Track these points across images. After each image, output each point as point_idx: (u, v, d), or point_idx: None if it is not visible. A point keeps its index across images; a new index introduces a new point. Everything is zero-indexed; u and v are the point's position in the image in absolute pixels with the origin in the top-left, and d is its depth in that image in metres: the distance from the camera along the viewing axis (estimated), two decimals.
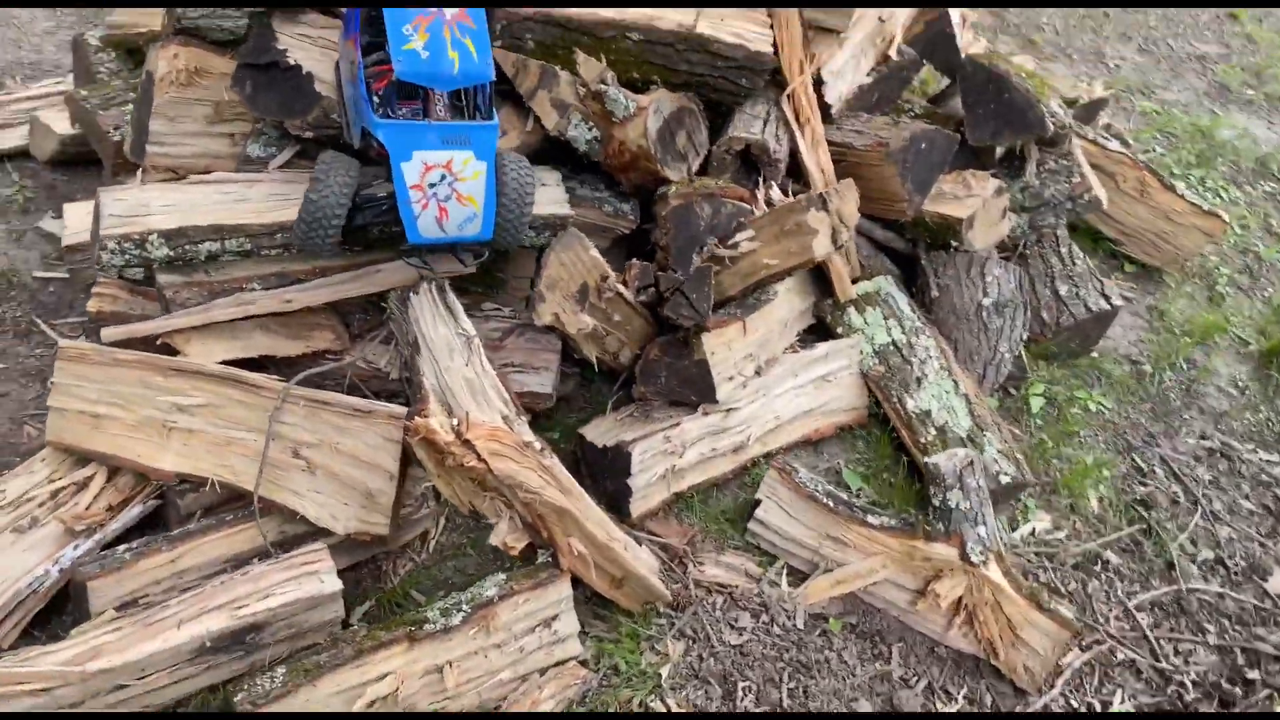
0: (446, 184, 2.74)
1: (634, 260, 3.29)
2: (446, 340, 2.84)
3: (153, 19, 3.49)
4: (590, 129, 3.21)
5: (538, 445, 2.88)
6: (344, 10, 2.88)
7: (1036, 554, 3.57)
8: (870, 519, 3.24)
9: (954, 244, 3.97)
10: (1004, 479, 3.52)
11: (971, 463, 3.26)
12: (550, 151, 3.46)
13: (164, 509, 2.94)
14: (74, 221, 3.28)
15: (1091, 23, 6.96)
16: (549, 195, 3.26)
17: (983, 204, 3.92)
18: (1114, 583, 3.55)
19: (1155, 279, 4.88)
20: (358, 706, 2.60)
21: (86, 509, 2.78)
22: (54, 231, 3.68)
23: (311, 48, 2.95)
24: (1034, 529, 3.66)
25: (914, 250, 4.14)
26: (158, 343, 2.88)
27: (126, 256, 2.81)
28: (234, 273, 2.98)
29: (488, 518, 2.90)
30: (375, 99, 2.73)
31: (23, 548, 2.69)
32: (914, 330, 3.84)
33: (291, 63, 2.86)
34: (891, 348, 3.81)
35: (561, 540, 2.91)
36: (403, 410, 2.77)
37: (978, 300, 3.93)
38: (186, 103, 3.04)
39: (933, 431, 3.63)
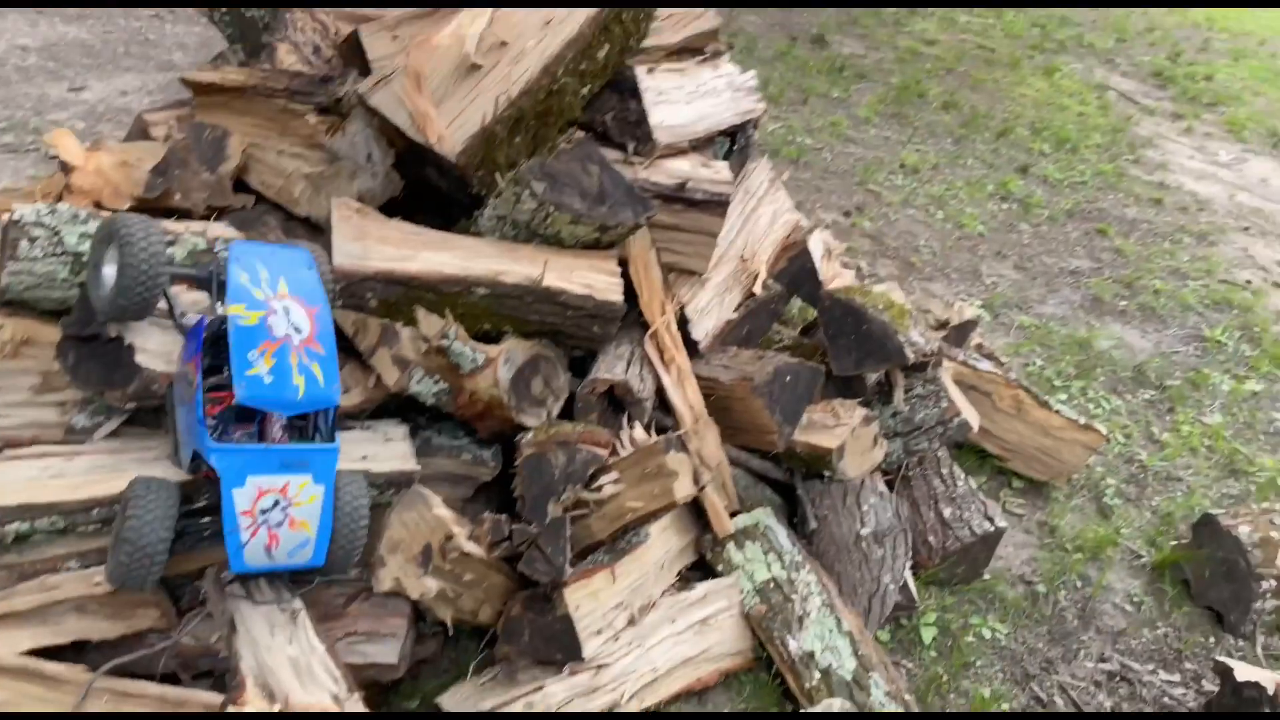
0: (280, 509, 2.63)
1: (485, 515, 3.18)
2: (267, 616, 2.66)
3: None
4: (436, 382, 3.17)
5: None
6: (187, 331, 2.82)
7: None
8: None
9: (828, 473, 3.94)
10: None
11: (844, 716, 3.08)
12: (407, 401, 3.40)
13: None
14: None
15: (968, 244, 7.30)
16: (394, 450, 3.17)
17: (851, 432, 3.92)
18: None
19: (1043, 493, 4.88)
20: None
21: None
22: None
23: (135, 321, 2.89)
24: None
25: (792, 479, 4.10)
26: None
27: None
28: (49, 551, 2.79)
29: None
30: (211, 422, 2.66)
31: None
32: (794, 565, 3.73)
33: (113, 334, 2.79)
34: (772, 585, 3.68)
35: None
36: (218, 698, 2.55)
37: (856, 530, 3.86)
38: (12, 374, 2.94)
39: (817, 675, 3.47)
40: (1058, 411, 4.77)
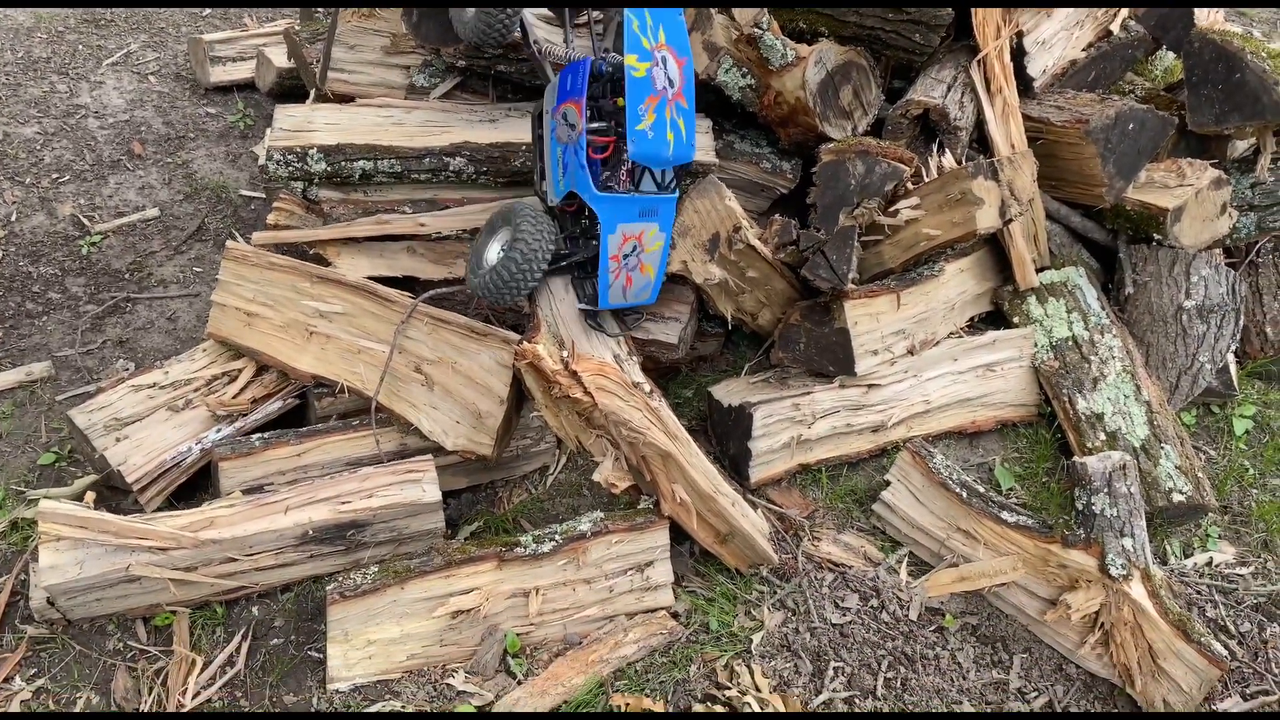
0: (635, 255, 2.76)
1: (776, 215, 3.18)
2: (564, 278, 2.87)
3: None
4: (744, 75, 3.13)
5: (646, 387, 2.85)
6: (562, 73, 2.76)
7: (1209, 586, 3.16)
8: (1004, 515, 2.98)
9: (1159, 238, 3.58)
10: (1177, 497, 3.15)
11: (1124, 467, 2.92)
12: (716, 103, 3.40)
13: (304, 409, 3.14)
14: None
15: None
16: (696, 142, 3.21)
17: (1195, 195, 3.51)
18: None
19: None
20: (440, 614, 2.68)
21: (233, 398, 3.02)
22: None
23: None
24: (1211, 559, 3.24)
25: (1114, 242, 3.77)
26: (311, 253, 3.07)
27: (290, 168, 3.02)
28: (390, 194, 3.14)
29: (593, 455, 2.90)
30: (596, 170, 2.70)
31: (173, 425, 2.95)
32: (1099, 327, 3.49)
33: None
34: (1070, 343, 3.49)
35: (665, 485, 2.87)
36: (516, 336, 2.81)
37: (1178, 302, 3.52)
38: (366, 33, 3.22)
39: (1102, 436, 3.30)
40: None
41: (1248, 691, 2.92)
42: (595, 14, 2.92)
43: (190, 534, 2.61)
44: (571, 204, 2.82)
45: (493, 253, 2.81)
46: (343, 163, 3.02)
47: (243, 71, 4.44)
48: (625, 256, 2.75)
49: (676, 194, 2.81)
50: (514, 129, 3.17)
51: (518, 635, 2.77)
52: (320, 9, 4.23)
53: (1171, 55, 4.52)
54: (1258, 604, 3.14)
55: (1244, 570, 3.24)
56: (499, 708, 2.59)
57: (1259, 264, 3.91)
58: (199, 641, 2.70)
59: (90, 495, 2.78)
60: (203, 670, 2.64)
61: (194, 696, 2.59)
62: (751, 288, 3.21)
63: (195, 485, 3.03)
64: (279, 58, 4.21)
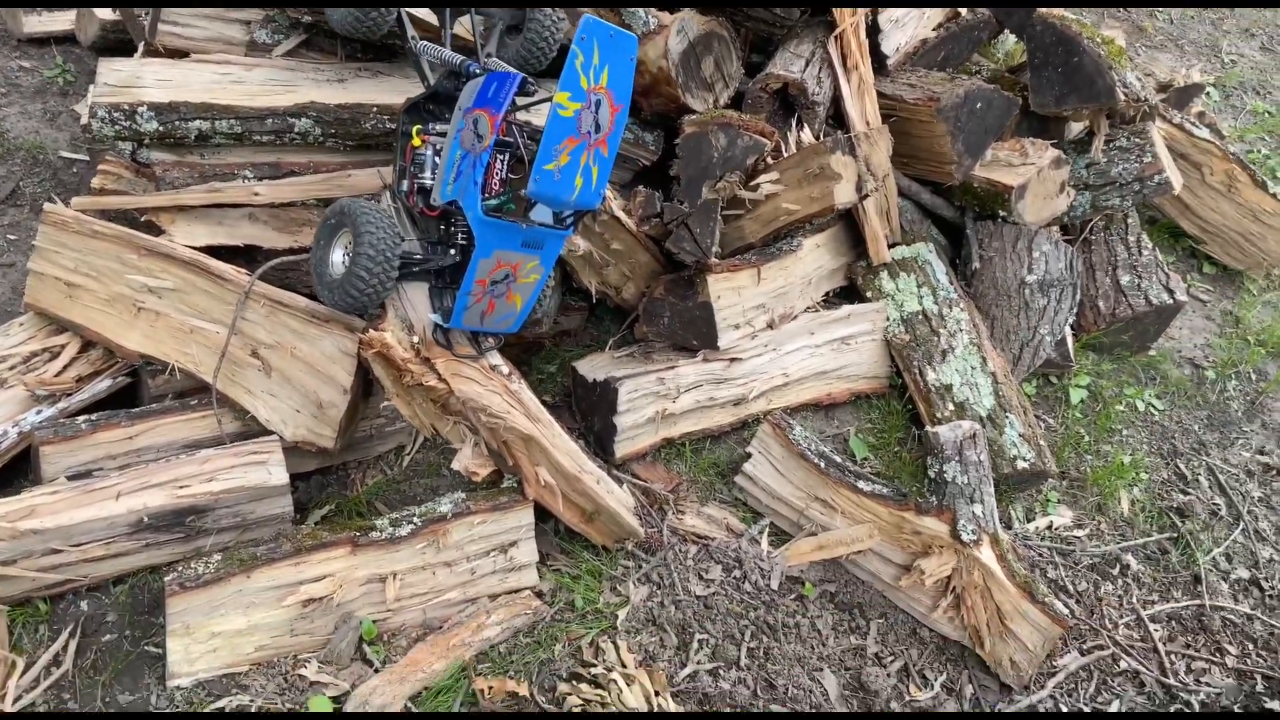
0: (505, 283, 2.61)
1: (640, 188, 3.14)
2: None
3: None
4: None
5: (504, 369, 2.76)
6: (490, 76, 2.55)
7: (1050, 548, 3.31)
8: (861, 484, 3.04)
9: (1003, 215, 3.71)
10: (1021, 464, 3.28)
11: (974, 436, 3.03)
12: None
13: (136, 387, 2.92)
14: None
15: (1212, 15, 6.48)
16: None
17: (1037, 173, 3.65)
18: (1130, 589, 3.27)
19: (1235, 283, 4.51)
20: (290, 602, 2.54)
21: (55, 376, 2.77)
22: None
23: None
24: (1051, 523, 3.40)
25: (961, 219, 3.89)
26: (143, 219, 2.84)
27: (117, 127, 2.77)
28: (229, 157, 2.94)
29: (451, 442, 2.80)
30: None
31: None
32: (947, 301, 3.60)
33: None
34: (920, 317, 3.58)
35: (528, 469, 2.79)
36: (360, 323, 2.66)
37: (1021, 276, 3.66)
38: None
39: (951, 407, 3.40)
40: (1274, 195, 4.31)
41: (1085, 647, 3.09)
42: (477, 17, 2.78)
43: (8, 524, 2.38)
44: (434, 209, 2.63)
45: (337, 258, 2.60)
46: (176, 122, 2.79)
47: (61, 23, 4.07)
48: (494, 283, 2.60)
49: (570, 231, 2.65)
50: (364, 89, 3.00)
51: (374, 622, 2.66)
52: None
53: (1013, 40, 4.69)
54: (1093, 564, 3.32)
55: (1080, 533, 3.41)
56: (355, 697, 2.48)
57: (1092, 241, 4.11)
58: (19, 641, 2.48)
59: None
60: (24, 672, 2.43)
61: (15, 701, 2.38)
62: (616, 260, 3.15)
63: (13, 472, 2.77)
64: (103, 9, 3.88)
